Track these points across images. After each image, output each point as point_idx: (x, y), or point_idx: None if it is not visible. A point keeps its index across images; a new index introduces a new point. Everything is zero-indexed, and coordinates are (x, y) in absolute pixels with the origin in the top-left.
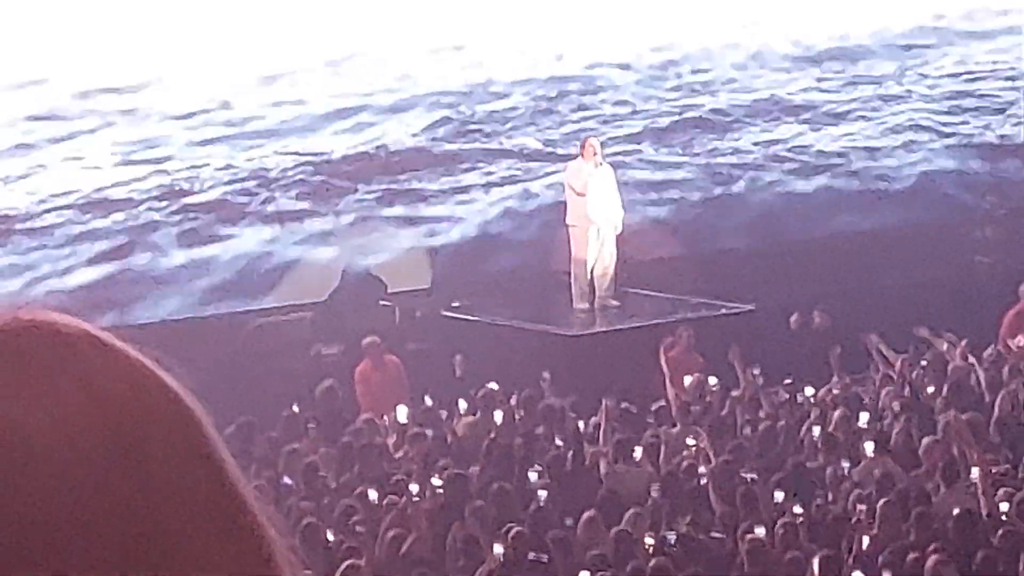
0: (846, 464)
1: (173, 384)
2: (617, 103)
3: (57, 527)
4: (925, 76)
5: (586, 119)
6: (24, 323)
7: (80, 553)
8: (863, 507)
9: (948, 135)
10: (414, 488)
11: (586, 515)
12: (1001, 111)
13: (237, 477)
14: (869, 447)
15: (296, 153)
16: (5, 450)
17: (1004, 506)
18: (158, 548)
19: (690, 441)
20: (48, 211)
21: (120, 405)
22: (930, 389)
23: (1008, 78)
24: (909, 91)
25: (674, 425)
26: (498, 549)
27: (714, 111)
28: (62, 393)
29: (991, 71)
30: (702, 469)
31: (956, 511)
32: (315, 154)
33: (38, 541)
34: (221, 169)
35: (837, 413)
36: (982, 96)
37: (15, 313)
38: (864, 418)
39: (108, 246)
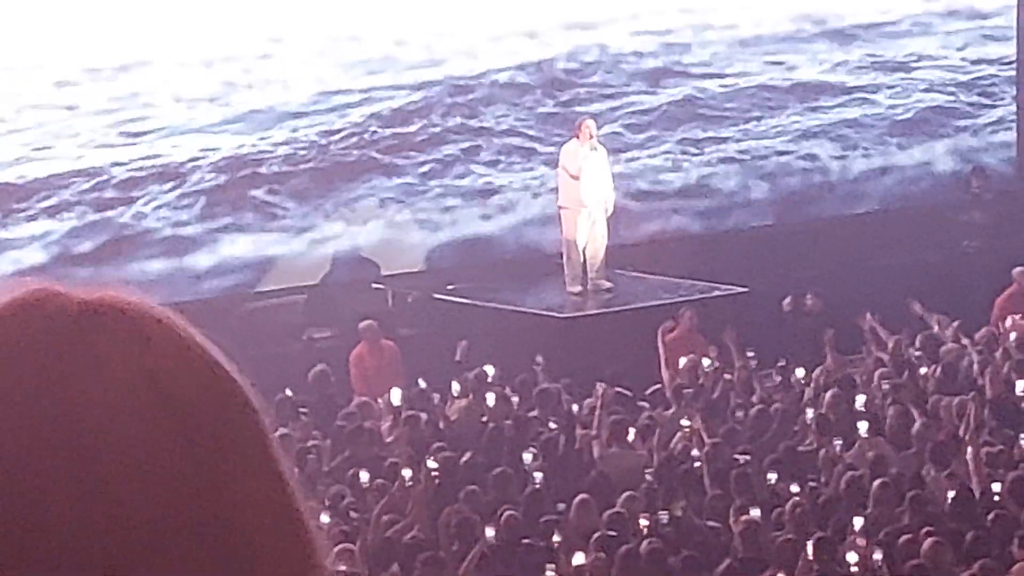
0: (839, 444)
1: (239, 379)
2: (608, 86)
3: (117, 522)
4: (920, 59)
5: (578, 100)
6: (94, 304)
7: (138, 554)
8: (856, 489)
9: (942, 118)
10: (407, 473)
11: (579, 498)
12: (991, 95)
13: (293, 482)
14: (863, 428)
15: (285, 137)
16: (70, 438)
17: (997, 487)
18: (221, 559)
19: (684, 423)
20: (41, 189)
21: (190, 403)
22: (923, 370)
23: (999, 62)
24: (906, 75)
25: (668, 408)
26: (490, 532)
27: (708, 94)
28: (130, 385)
29: (982, 55)
30: (696, 452)
31: (951, 493)
32: (304, 138)
33: (99, 535)
34: (211, 151)
35: (830, 394)
36: (975, 79)
37: (82, 294)
38: (859, 400)
39: (95, 228)
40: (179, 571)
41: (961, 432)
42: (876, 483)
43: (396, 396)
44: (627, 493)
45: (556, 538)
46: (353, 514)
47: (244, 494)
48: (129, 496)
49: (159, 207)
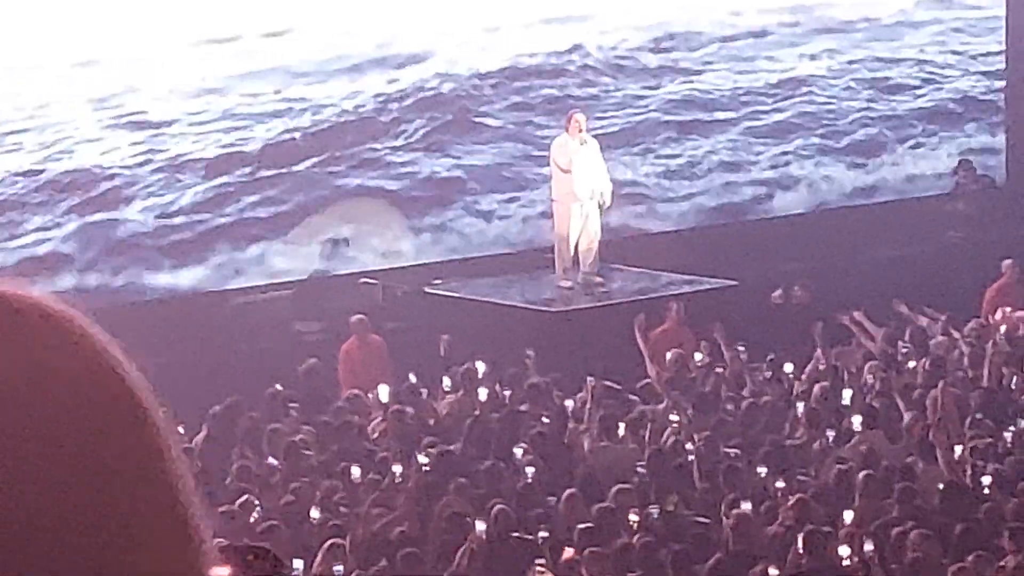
0: (831, 436)
1: (128, 368)
2: (591, 82)
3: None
4: (901, 48)
5: (568, 95)
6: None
7: (15, 542)
8: (845, 482)
9: (923, 108)
10: (397, 469)
11: (568, 492)
12: (976, 82)
13: (183, 475)
14: (856, 421)
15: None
16: None
17: (986, 479)
18: (99, 546)
19: (674, 417)
20: (30, 181)
21: (70, 389)
22: (911, 364)
23: (985, 53)
24: (888, 64)
25: (659, 402)
26: (480, 526)
27: (699, 90)
28: (8, 368)
29: (967, 44)
30: (688, 446)
31: (941, 486)
32: (290, 128)
33: None
34: (202, 142)
35: (819, 388)
36: (958, 68)
37: None
38: (847, 393)
39: (83, 221)
40: (53, 572)
41: (946, 426)
42: (861, 476)
43: (384, 392)
44: (618, 487)
45: (543, 533)
46: (343, 509)
47: (129, 500)
48: (10, 494)
49: (148, 203)
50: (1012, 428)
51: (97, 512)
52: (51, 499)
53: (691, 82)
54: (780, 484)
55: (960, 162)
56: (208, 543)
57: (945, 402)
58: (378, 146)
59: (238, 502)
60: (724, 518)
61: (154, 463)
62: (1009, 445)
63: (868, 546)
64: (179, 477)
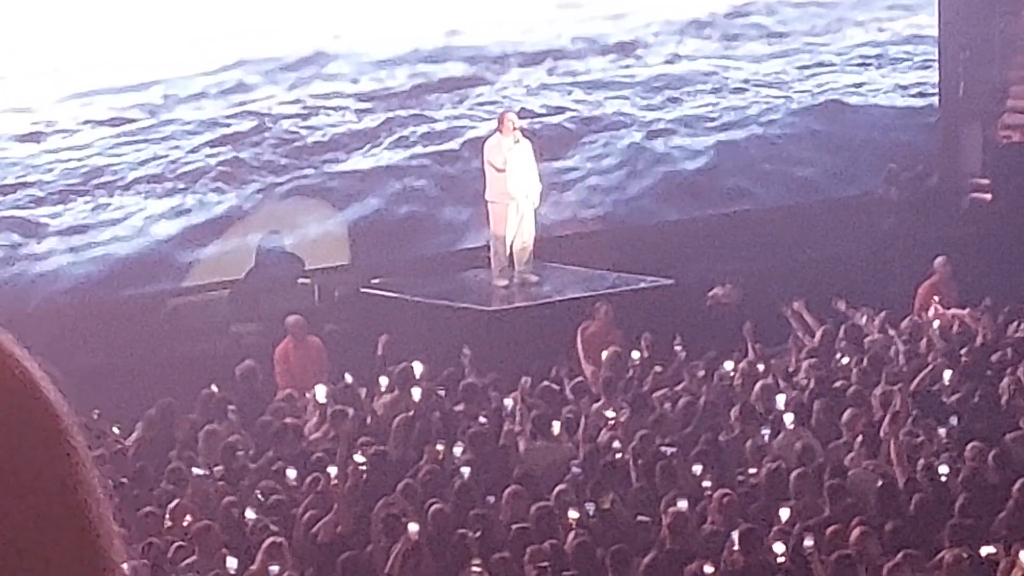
0: (766, 435)
1: (33, 371)
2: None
3: None
4: (833, 42)
5: (502, 92)
6: None
7: None
8: (779, 480)
9: (855, 100)
10: (332, 470)
11: (509, 490)
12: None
13: (90, 485)
14: (789, 419)
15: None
16: None
17: (935, 472)
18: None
19: (609, 414)
20: None
21: None
22: (844, 360)
23: (915, 39)
24: (820, 60)
25: (594, 400)
26: (413, 527)
27: (636, 80)
28: None
29: (899, 35)
30: (616, 444)
31: (879, 483)
32: (227, 131)
33: None
34: (134, 144)
35: (757, 386)
36: (891, 60)
37: None
38: (783, 391)
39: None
40: None
41: (881, 423)
42: (794, 474)
43: (321, 392)
44: (559, 487)
45: (477, 534)
46: (281, 510)
47: (37, 516)
48: None
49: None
50: (946, 426)
51: (5, 532)
52: None
53: (633, 71)
54: (706, 484)
55: (888, 168)
56: (119, 567)
57: (885, 400)
58: (310, 144)
59: (172, 504)
60: (662, 516)
61: (63, 475)
62: (942, 443)
63: (808, 542)
64: (92, 496)
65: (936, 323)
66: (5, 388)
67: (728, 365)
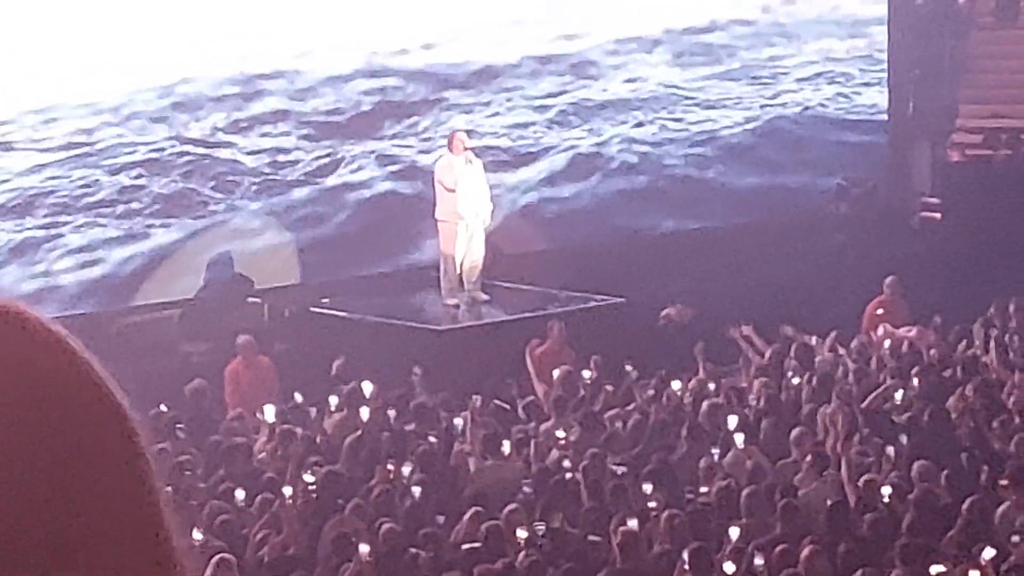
0: (716, 454)
1: (101, 372)
2: (484, 95)
3: None
4: (782, 59)
5: (455, 109)
6: None
7: None
8: (730, 499)
9: (805, 118)
10: (285, 489)
11: (469, 512)
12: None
13: (154, 479)
14: (739, 439)
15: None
16: None
17: (885, 491)
18: (68, 544)
19: (560, 435)
20: None
21: (48, 389)
22: (796, 380)
23: (865, 58)
24: (770, 76)
25: (545, 420)
26: (364, 548)
27: (586, 100)
28: (9, 385)
29: (849, 53)
30: (566, 463)
31: (829, 502)
32: (175, 151)
33: None
34: (84, 160)
35: (706, 405)
36: (840, 75)
37: None
38: (733, 409)
39: None
40: (28, 570)
41: (831, 442)
42: (745, 492)
43: (270, 412)
44: (509, 507)
45: (429, 554)
46: (230, 531)
47: (105, 501)
48: None
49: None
50: (894, 445)
51: (74, 504)
52: (26, 498)
53: (585, 93)
54: (653, 504)
55: (838, 186)
56: (182, 547)
57: (832, 419)
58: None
59: None
60: (612, 535)
61: (130, 462)
62: (892, 462)
63: (758, 560)
64: (152, 477)
65: (887, 342)
66: (72, 372)
67: (676, 385)
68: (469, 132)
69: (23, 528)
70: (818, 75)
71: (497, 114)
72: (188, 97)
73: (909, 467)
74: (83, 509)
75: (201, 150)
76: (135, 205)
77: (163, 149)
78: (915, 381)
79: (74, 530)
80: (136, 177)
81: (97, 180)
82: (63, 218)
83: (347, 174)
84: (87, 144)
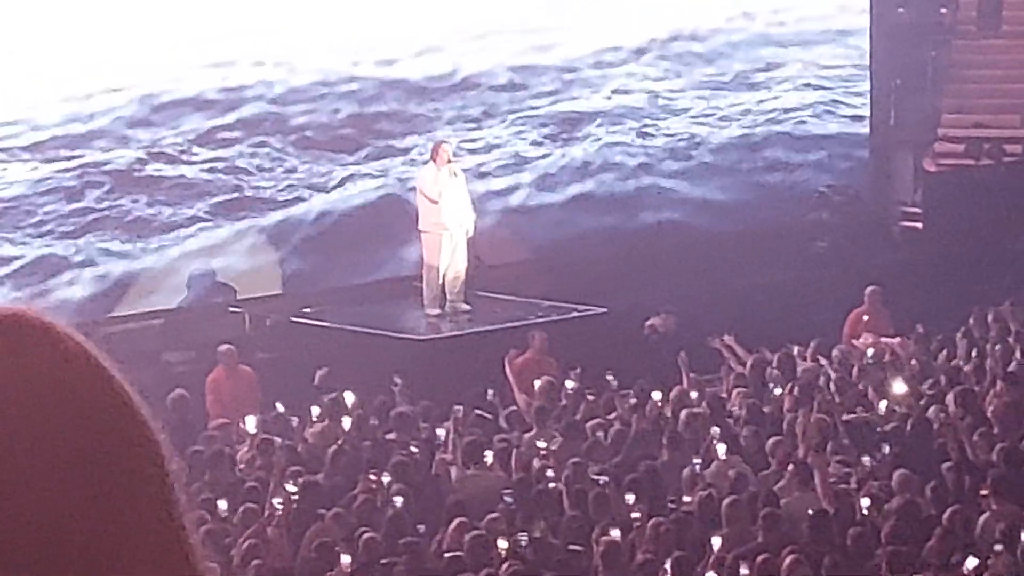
0: (698, 464)
1: (133, 393)
2: (466, 106)
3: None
4: (765, 68)
5: (438, 120)
6: (10, 318)
7: (15, 547)
8: (711, 508)
9: (787, 127)
10: (267, 497)
11: (454, 523)
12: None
13: (179, 498)
14: (721, 449)
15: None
16: None
17: (864, 502)
18: (94, 563)
19: (541, 444)
20: None
21: (77, 403)
22: (777, 391)
23: (848, 67)
24: (753, 84)
25: (527, 430)
26: (346, 559)
27: (568, 111)
28: (45, 395)
29: (831, 62)
30: (550, 472)
31: (811, 511)
32: (154, 156)
33: None
34: (68, 170)
35: (685, 414)
36: (823, 84)
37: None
38: (716, 419)
39: None
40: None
41: (804, 451)
42: (726, 502)
43: (251, 422)
44: (490, 516)
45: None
46: (212, 541)
47: (130, 507)
48: (22, 497)
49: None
50: (875, 454)
51: (101, 511)
52: (51, 504)
53: (563, 106)
54: (636, 514)
55: (819, 194)
56: (200, 555)
57: (808, 429)
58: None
59: None
60: (595, 545)
61: (154, 472)
62: (869, 470)
63: (743, 570)
64: (174, 484)
65: (870, 351)
66: (100, 387)
67: (657, 395)
68: (450, 143)
69: (52, 543)
70: (802, 84)
71: (479, 125)
72: (162, 109)
73: (890, 477)
74: (110, 527)
75: (176, 166)
76: (113, 216)
77: (136, 162)
78: (896, 391)
79: (101, 549)
80: (108, 191)
81: (80, 188)
82: (29, 231)
83: (329, 185)
84: (63, 158)
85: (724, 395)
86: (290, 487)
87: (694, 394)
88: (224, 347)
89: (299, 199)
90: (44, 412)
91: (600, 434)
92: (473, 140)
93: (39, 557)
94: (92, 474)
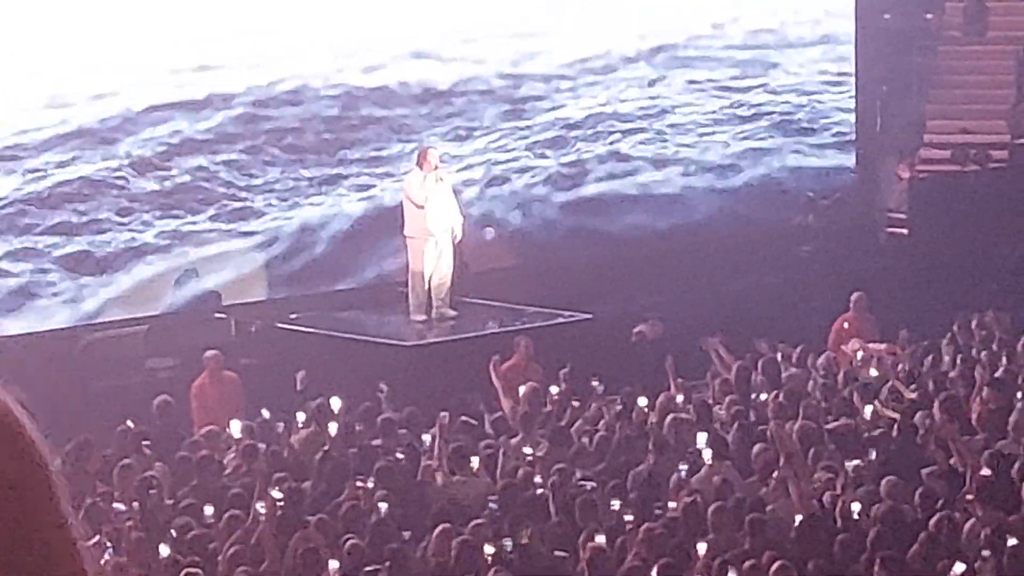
0: (683, 469)
1: (33, 434)
2: (452, 113)
3: None
4: (758, 76)
5: (425, 126)
6: None
7: None
8: (696, 514)
9: (783, 138)
10: (252, 503)
11: (439, 529)
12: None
13: (73, 520)
14: (707, 454)
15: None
16: None
17: (851, 508)
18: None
19: (527, 450)
20: None
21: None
22: (763, 396)
23: (835, 72)
24: (741, 89)
25: (512, 435)
26: (333, 564)
27: (558, 119)
28: None
29: (817, 68)
30: (538, 479)
31: (798, 517)
32: (143, 166)
33: None
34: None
35: (674, 420)
36: (809, 90)
37: None
38: (702, 425)
39: None
40: None
41: (783, 459)
42: (712, 508)
43: (236, 427)
44: (476, 522)
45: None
46: (198, 546)
47: (37, 535)
48: None
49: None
50: (857, 460)
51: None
52: None
53: (556, 114)
54: (629, 517)
55: (805, 198)
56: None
57: (782, 436)
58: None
59: (89, 542)
60: (581, 551)
61: (51, 498)
62: (853, 476)
63: (731, 575)
64: (65, 507)
65: (859, 354)
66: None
67: (642, 401)
68: (436, 148)
69: None
70: (789, 89)
71: (465, 132)
72: (141, 114)
73: (876, 483)
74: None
75: (165, 165)
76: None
77: (117, 168)
78: (882, 397)
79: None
80: (87, 196)
81: (64, 193)
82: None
83: (313, 191)
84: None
85: (710, 400)
86: (275, 493)
87: (680, 398)
88: (210, 353)
89: (283, 205)
90: None
91: (586, 440)
92: (460, 146)
93: None
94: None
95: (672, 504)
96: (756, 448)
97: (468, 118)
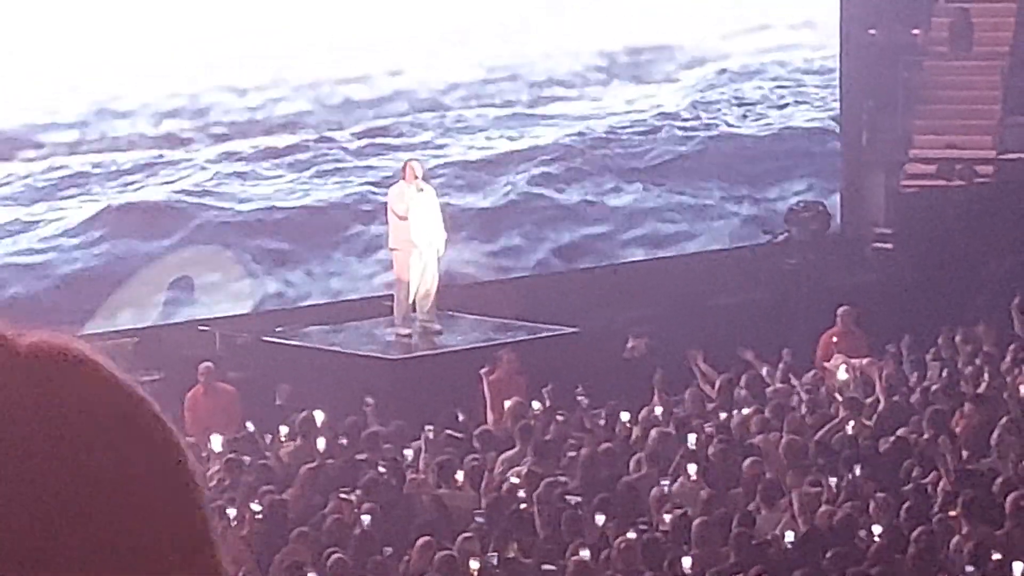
0: (666, 485)
1: (161, 416)
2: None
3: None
4: (737, 86)
5: (410, 133)
6: (42, 349)
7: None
8: (682, 528)
9: (762, 140)
10: (232, 513)
11: (421, 541)
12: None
13: (213, 529)
14: (692, 469)
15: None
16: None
17: (837, 522)
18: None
19: (513, 464)
20: None
21: (113, 436)
22: (746, 411)
23: (821, 87)
24: (725, 102)
25: (498, 449)
26: None
27: (541, 125)
28: (76, 422)
29: (804, 85)
30: (522, 493)
31: (787, 533)
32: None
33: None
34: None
35: (656, 433)
36: (797, 103)
37: (28, 338)
38: (687, 439)
39: None
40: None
41: (778, 473)
42: (697, 522)
43: (216, 441)
44: (463, 536)
45: None
46: None
47: (163, 521)
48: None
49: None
50: (844, 475)
51: (135, 524)
52: (98, 514)
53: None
54: (610, 532)
55: (789, 210)
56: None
57: (769, 450)
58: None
59: None
60: (567, 564)
61: (182, 481)
62: (835, 491)
63: None
64: (202, 497)
65: (843, 368)
66: (121, 396)
67: (625, 416)
68: (419, 161)
69: (87, 562)
70: (775, 103)
71: (450, 141)
72: (131, 115)
73: (862, 497)
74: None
75: (152, 176)
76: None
77: (106, 168)
78: (867, 411)
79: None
80: (73, 196)
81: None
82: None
83: (297, 200)
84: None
85: (695, 415)
86: (255, 506)
87: (659, 410)
88: (203, 365)
89: (268, 213)
90: (80, 449)
91: (571, 454)
92: (442, 154)
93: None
94: (128, 507)
95: (657, 518)
96: (747, 463)
97: (452, 125)
